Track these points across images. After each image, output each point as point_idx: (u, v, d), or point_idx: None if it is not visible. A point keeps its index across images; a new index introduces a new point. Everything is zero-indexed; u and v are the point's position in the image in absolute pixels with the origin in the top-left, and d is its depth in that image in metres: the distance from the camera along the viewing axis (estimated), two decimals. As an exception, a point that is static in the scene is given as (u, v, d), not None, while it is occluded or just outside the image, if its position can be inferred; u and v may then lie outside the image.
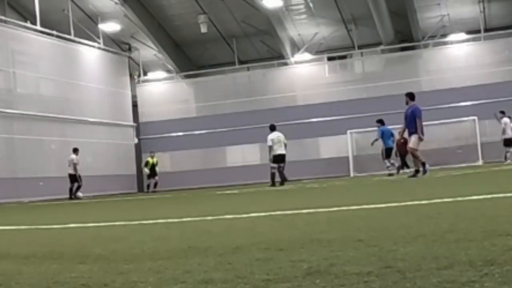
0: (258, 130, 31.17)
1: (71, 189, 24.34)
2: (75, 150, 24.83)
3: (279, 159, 20.33)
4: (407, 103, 16.71)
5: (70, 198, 23.86)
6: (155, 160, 30.23)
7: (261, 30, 31.94)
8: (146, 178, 30.46)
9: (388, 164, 22.56)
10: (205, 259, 2.91)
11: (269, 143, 20.35)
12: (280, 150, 20.29)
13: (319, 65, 32.52)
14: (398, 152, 24.59)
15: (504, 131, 24.25)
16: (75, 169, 24.44)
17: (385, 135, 22.98)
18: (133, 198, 20.25)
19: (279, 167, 20.38)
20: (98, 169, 28.67)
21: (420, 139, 16.22)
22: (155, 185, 29.58)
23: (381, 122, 23.10)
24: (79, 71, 29.26)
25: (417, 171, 16.07)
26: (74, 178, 24.46)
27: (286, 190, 14.66)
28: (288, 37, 32.48)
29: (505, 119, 24.39)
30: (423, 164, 16.04)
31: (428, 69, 30.79)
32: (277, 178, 20.38)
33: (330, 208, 6.10)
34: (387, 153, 22.92)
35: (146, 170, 30.10)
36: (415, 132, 16.20)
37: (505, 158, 24.28)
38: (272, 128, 20.99)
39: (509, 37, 29.73)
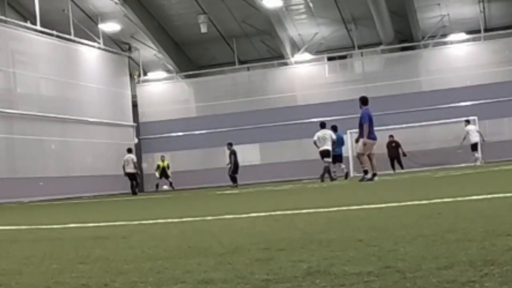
0: (258, 130, 31.22)
1: (132, 186, 26.27)
2: (130, 150, 26.93)
3: (323, 154, 21.47)
4: (360, 108, 16.54)
5: (134, 193, 25.63)
6: (165, 163, 30.68)
7: (261, 30, 31.95)
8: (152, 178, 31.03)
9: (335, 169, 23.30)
10: (205, 259, 2.91)
11: (314, 138, 21.70)
12: (324, 146, 21.39)
13: (319, 65, 32.53)
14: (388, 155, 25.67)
15: (465, 138, 26.31)
16: (135, 167, 26.35)
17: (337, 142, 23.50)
18: (133, 198, 20.26)
19: (331, 162, 21.61)
20: (98, 169, 28.67)
21: (365, 143, 16.09)
22: (171, 184, 30.37)
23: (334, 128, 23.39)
24: (79, 71, 29.26)
25: (374, 174, 16.07)
26: (133, 176, 26.29)
27: (286, 190, 14.67)
28: (288, 37, 32.49)
29: (469, 127, 26.40)
30: (365, 172, 16.07)
31: (428, 69, 30.80)
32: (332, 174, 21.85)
33: (330, 208, 6.10)
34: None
35: (157, 174, 30.69)
36: (362, 136, 16.13)
37: (475, 161, 26.30)
38: (322, 126, 22.12)
39: (509, 37, 29.74)
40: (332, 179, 21.28)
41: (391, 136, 27.88)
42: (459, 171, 19.61)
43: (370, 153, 16.12)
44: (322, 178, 21.12)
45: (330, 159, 21.56)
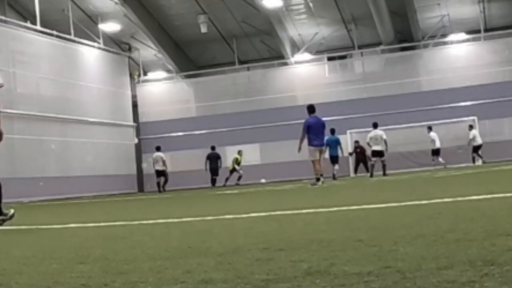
0: (258, 130, 31.21)
1: (158, 183, 27.08)
2: (159, 148, 27.65)
3: (375, 154, 23.16)
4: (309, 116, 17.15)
5: (160, 191, 26.51)
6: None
7: (261, 30, 31.95)
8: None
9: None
10: (205, 259, 2.91)
11: (367, 140, 23.35)
12: (376, 147, 22.92)
13: (319, 65, 32.52)
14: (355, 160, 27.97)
15: (433, 142, 27.09)
16: (165, 164, 27.34)
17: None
18: (133, 198, 20.26)
19: (382, 161, 22.94)
20: (98, 169, 28.66)
21: (311, 150, 16.76)
22: (239, 178, 29.29)
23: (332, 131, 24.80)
24: (79, 71, 29.25)
25: (317, 179, 16.48)
26: (162, 173, 27.18)
27: (286, 190, 14.67)
28: (288, 37, 32.49)
29: (432, 133, 27.29)
30: (317, 179, 16.50)
31: (428, 69, 30.79)
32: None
33: (330, 208, 6.10)
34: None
35: (235, 166, 29.59)
36: (308, 144, 16.72)
37: (433, 165, 27.14)
38: (375, 126, 23.49)
39: (509, 37, 29.73)
40: (372, 175, 22.78)
41: (356, 141, 28.61)
42: (459, 171, 19.61)
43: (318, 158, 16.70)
44: (371, 174, 22.89)
45: (383, 158, 22.82)
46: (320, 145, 16.88)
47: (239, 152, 29.75)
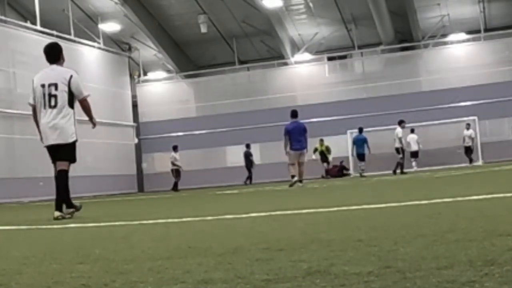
0: (258, 130, 31.21)
1: (175, 183, 27.13)
2: (176, 148, 27.56)
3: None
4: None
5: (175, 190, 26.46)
6: (323, 146, 29.39)
7: (261, 30, 31.95)
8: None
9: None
10: (205, 259, 2.91)
11: (400, 135, 24.01)
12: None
13: (319, 65, 32.53)
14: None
15: (409, 145, 26.79)
16: (174, 164, 27.20)
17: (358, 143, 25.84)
18: (133, 198, 20.26)
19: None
20: (98, 169, 28.67)
21: (289, 154, 17.23)
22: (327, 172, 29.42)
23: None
24: (79, 71, 28.69)
25: (300, 181, 17.01)
26: (178, 172, 27.16)
27: (286, 190, 14.68)
28: (288, 37, 32.49)
29: (411, 135, 27.26)
30: (299, 181, 17.01)
31: (428, 69, 30.80)
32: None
33: (330, 208, 6.10)
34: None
35: (314, 157, 28.81)
36: (289, 148, 17.26)
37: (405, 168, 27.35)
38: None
39: (509, 37, 29.74)
40: (402, 172, 23.53)
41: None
42: (459, 171, 19.61)
43: (298, 161, 17.10)
44: (396, 171, 23.70)
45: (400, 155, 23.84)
46: (300, 149, 17.25)
47: (321, 141, 29.02)
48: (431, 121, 28.56)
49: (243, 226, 4.92)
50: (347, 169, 29.05)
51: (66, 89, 7.76)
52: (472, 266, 2.20)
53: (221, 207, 8.97)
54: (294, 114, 17.82)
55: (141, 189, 32.14)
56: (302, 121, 18.40)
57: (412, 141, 26.81)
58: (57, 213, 7.55)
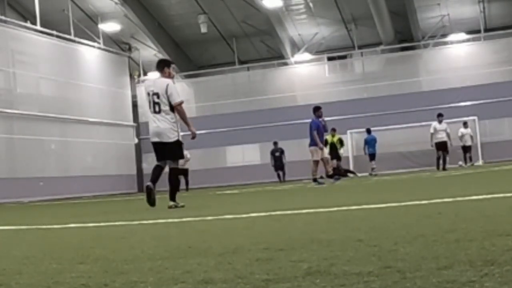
0: (258, 130, 31.20)
1: (187, 182, 26.83)
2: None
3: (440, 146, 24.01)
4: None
5: (185, 189, 25.97)
6: (335, 138, 26.32)
7: (261, 30, 31.94)
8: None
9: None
10: (205, 259, 2.91)
11: (431, 130, 23.65)
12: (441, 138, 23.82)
13: (319, 65, 32.53)
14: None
15: (463, 139, 26.91)
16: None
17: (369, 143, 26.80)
18: (133, 198, 20.26)
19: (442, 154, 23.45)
20: (98, 169, 28.67)
21: (320, 149, 17.27)
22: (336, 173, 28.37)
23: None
24: (79, 71, 29.25)
25: (314, 180, 17.42)
26: (186, 172, 26.61)
27: (286, 190, 14.67)
28: (288, 37, 32.49)
29: (464, 130, 27.04)
30: (318, 177, 17.56)
31: (428, 69, 30.79)
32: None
33: (330, 208, 6.10)
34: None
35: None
36: (312, 144, 17.26)
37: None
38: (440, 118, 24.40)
39: (509, 37, 29.73)
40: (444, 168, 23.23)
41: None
42: (459, 171, 19.61)
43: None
44: (438, 166, 23.56)
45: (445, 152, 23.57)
46: (309, 146, 17.39)
47: (333, 131, 24.95)
48: (431, 121, 28.54)
49: (243, 226, 4.92)
50: (353, 172, 27.78)
51: (166, 96, 8.88)
52: (472, 266, 2.20)
53: (221, 207, 8.97)
54: (315, 109, 17.68)
55: (141, 189, 32.10)
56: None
57: (467, 136, 26.73)
58: (171, 203, 9.48)
